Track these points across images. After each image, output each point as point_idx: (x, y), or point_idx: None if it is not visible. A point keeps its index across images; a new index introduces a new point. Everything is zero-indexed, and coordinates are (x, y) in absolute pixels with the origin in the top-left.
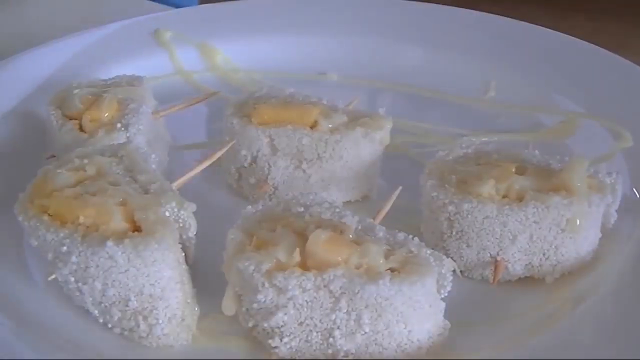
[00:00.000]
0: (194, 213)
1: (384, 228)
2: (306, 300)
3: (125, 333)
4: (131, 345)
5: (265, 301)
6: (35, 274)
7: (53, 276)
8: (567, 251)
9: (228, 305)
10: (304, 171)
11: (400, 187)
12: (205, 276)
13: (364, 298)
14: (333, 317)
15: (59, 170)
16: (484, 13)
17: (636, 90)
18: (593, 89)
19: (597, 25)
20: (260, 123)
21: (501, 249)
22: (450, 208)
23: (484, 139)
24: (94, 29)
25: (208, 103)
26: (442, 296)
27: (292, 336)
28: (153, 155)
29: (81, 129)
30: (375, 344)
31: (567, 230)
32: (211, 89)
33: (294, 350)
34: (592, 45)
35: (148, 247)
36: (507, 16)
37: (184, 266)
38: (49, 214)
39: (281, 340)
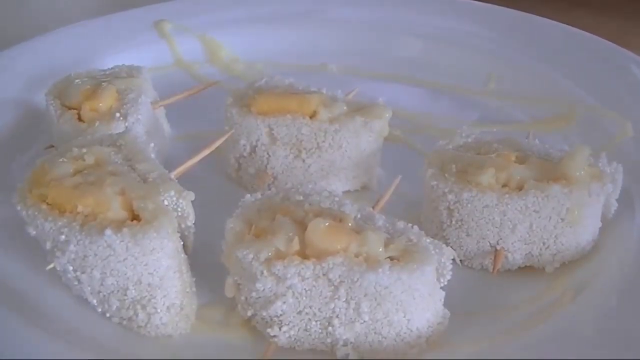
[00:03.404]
0: (193, 202)
1: (383, 217)
2: (305, 289)
3: (124, 322)
4: (130, 334)
5: (264, 290)
6: (33, 263)
7: (51, 265)
8: (567, 240)
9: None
10: (303, 161)
11: (400, 177)
12: (204, 265)
13: (364, 286)
14: (332, 305)
15: (57, 160)
16: (485, 4)
17: (636, 80)
18: (593, 80)
19: (598, 19)
20: (259, 113)
21: (501, 238)
22: (450, 197)
23: (484, 129)
24: (95, 18)
25: (207, 93)
26: (442, 285)
27: (291, 325)
28: (152, 145)
29: (80, 118)
30: (375, 333)
31: (567, 220)
32: (211, 79)
33: (292, 339)
34: (592, 36)
35: (147, 235)
36: (508, 7)
37: (183, 255)
38: (47, 203)
39: (280, 329)
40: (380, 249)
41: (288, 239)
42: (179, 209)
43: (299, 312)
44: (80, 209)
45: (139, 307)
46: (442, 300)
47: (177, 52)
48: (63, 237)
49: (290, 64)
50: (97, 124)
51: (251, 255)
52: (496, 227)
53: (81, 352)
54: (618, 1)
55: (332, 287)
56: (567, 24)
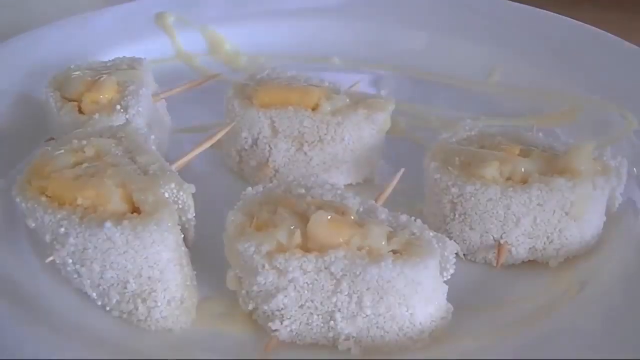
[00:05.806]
0: (194, 195)
1: (386, 210)
2: (307, 283)
3: (124, 316)
4: (130, 328)
5: (265, 283)
6: (32, 256)
7: (51, 258)
8: (571, 234)
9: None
10: (305, 153)
11: (403, 170)
12: (205, 259)
13: (366, 280)
14: (334, 299)
15: (57, 152)
16: None
17: None
18: (598, 73)
19: (602, 13)
20: (261, 105)
21: (505, 232)
22: (454, 190)
23: (487, 122)
24: (96, 10)
25: (209, 85)
26: (445, 279)
27: (292, 319)
28: (153, 137)
29: (80, 110)
30: (377, 327)
31: (571, 214)
32: (212, 72)
33: (294, 333)
34: (596, 29)
35: (147, 228)
36: (512, 0)
37: (184, 248)
38: (47, 196)
39: (281, 323)
40: (383, 243)
41: (290, 232)
42: (180, 202)
43: (301, 306)
44: (80, 201)
45: (139, 300)
46: (445, 294)
47: (178, 45)
48: (62, 229)
49: (292, 57)
50: (97, 116)
51: (252, 248)
52: (500, 221)
53: (80, 345)
54: None
55: (334, 280)
56: (572, 18)
